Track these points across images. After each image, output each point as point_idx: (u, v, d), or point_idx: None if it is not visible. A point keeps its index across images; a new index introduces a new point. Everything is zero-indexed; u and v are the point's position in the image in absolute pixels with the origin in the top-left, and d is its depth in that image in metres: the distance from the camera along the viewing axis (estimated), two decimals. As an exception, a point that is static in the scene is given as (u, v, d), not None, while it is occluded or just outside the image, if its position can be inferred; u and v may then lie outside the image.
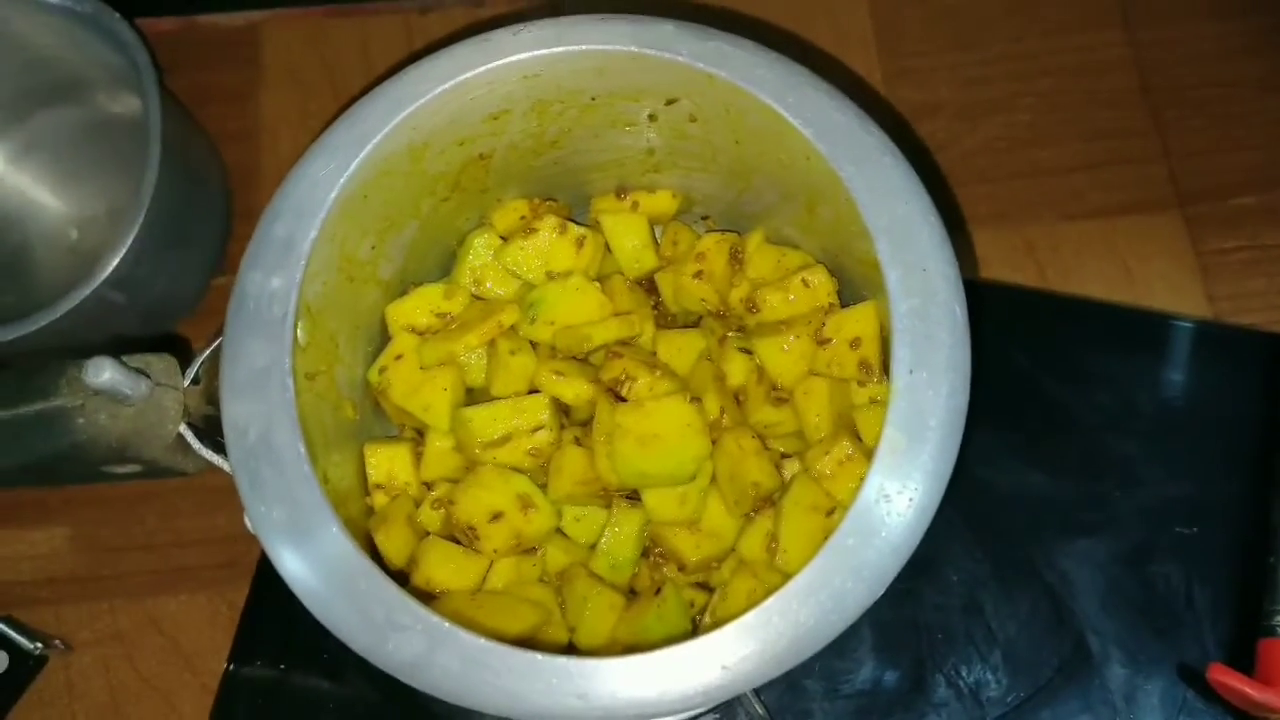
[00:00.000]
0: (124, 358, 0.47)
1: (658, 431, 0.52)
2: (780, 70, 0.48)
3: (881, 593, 0.42)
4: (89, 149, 0.79)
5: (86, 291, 0.64)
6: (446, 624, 0.42)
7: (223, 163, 0.79)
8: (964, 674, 0.64)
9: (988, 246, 0.77)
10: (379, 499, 0.56)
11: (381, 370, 0.57)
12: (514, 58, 0.50)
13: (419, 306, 0.58)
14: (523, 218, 0.60)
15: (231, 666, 0.65)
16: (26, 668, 0.67)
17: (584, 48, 0.49)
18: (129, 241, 0.65)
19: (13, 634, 0.67)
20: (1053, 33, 0.83)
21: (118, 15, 0.70)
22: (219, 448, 0.45)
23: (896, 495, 0.43)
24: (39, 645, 0.67)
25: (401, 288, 0.59)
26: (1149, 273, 0.76)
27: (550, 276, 0.58)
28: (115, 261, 0.65)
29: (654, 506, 0.53)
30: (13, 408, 0.47)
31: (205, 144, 0.78)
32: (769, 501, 0.53)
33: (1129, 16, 0.83)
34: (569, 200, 0.62)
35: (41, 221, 0.79)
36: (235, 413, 0.44)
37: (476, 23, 0.84)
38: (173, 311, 0.74)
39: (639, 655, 0.42)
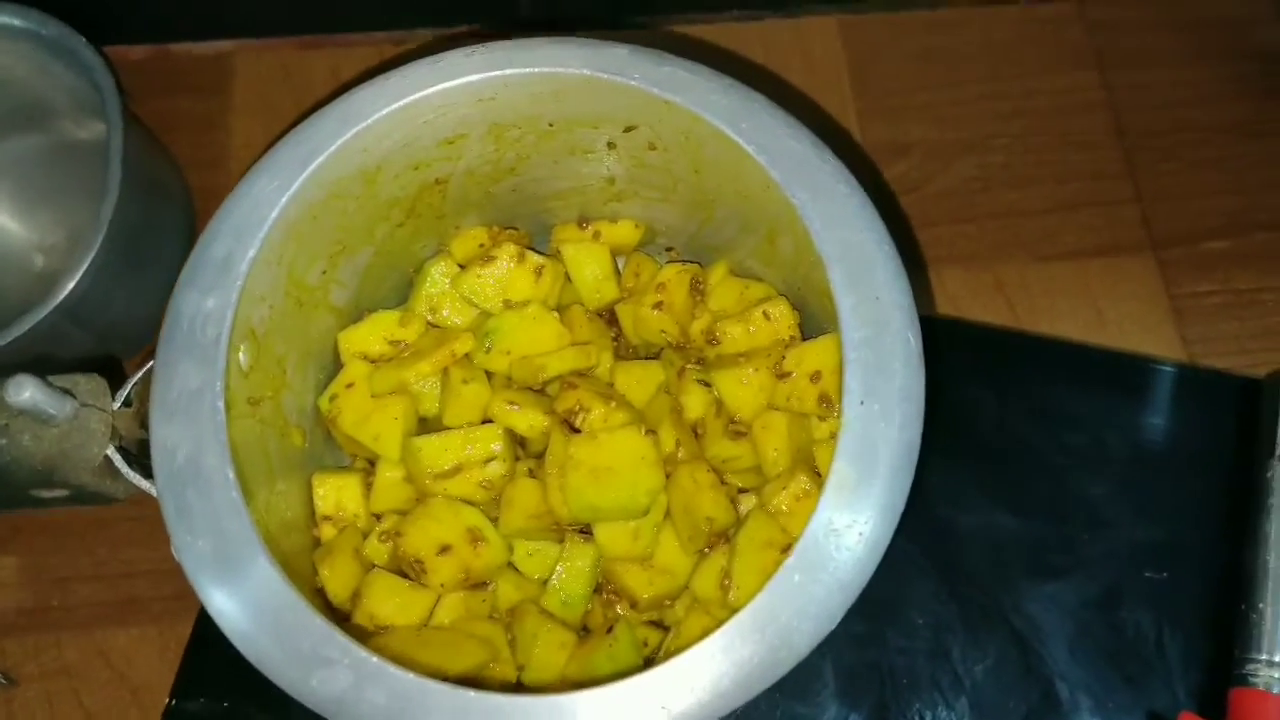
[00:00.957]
0: (50, 377, 0.45)
1: (610, 464, 0.51)
2: (735, 96, 0.48)
3: (830, 629, 0.40)
4: (53, 174, 0.78)
5: (41, 315, 0.63)
6: (374, 659, 0.40)
7: (188, 188, 0.79)
8: (929, 720, 0.62)
9: (960, 286, 0.76)
10: (326, 531, 0.55)
11: (332, 398, 0.56)
12: (466, 79, 0.49)
13: (372, 334, 0.57)
14: (481, 245, 0.59)
15: (174, 702, 0.63)
16: (-33, 702, 0.65)
17: (536, 70, 0.48)
18: (85, 264, 0.64)
19: None
20: (1028, 75, 0.83)
21: (83, 39, 0.69)
22: (149, 472, 0.44)
23: (846, 529, 0.41)
24: (-17, 680, 0.65)
25: (356, 314, 0.58)
26: (1121, 315, 0.75)
27: (508, 305, 0.57)
28: (70, 286, 0.63)
29: (606, 542, 0.52)
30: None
31: (170, 170, 0.77)
32: (724, 537, 0.52)
33: (1104, 59, 0.83)
34: (530, 228, 0.61)
35: (4, 247, 0.78)
36: (164, 435, 0.43)
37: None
38: (132, 336, 0.73)
39: (573, 694, 0.40)
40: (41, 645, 0.68)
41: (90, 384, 0.46)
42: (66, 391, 0.45)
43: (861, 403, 0.43)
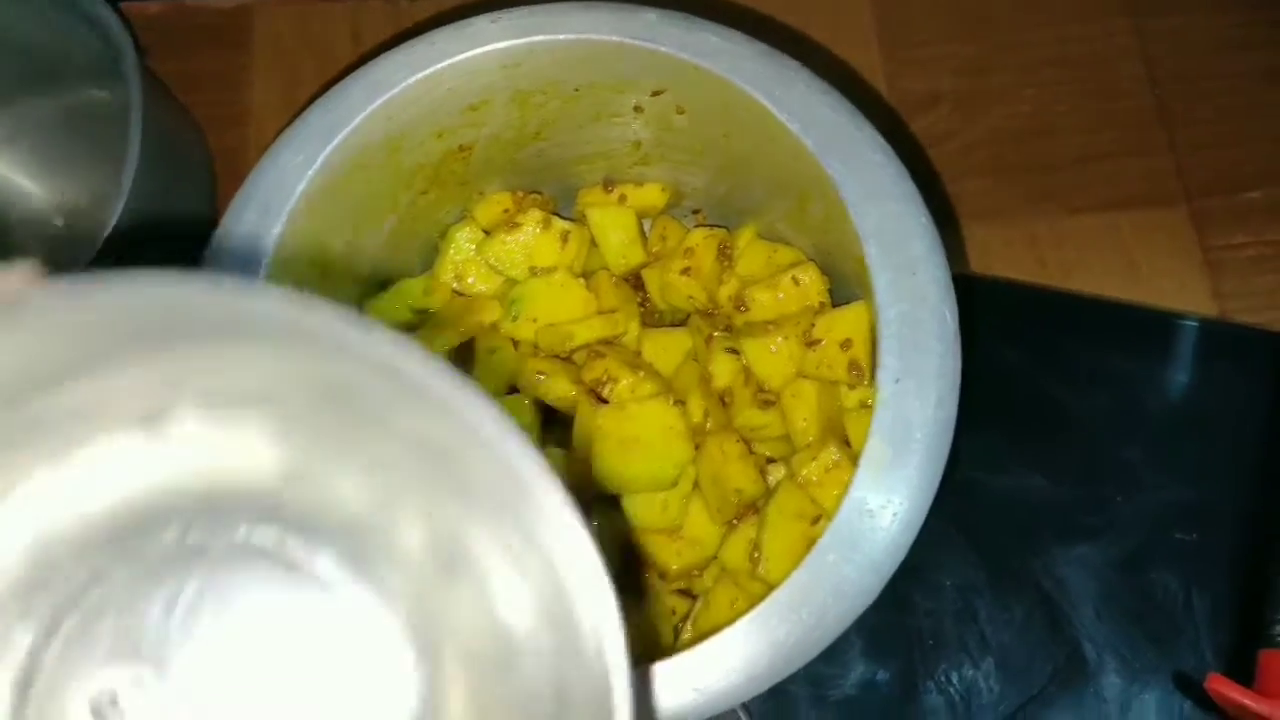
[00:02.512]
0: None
1: (639, 435, 0.51)
2: (768, 63, 0.46)
3: (864, 609, 0.40)
4: (72, 137, 0.78)
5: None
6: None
7: (208, 149, 0.78)
8: (955, 681, 0.62)
9: (988, 240, 0.75)
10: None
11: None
12: (492, 46, 0.48)
13: (398, 302, 0.57)
14: (506, 211, 0.58)
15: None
16: None
17: (564, 36, 0.47)
18: (109, 228, 0.63)
19: None
20: (1057, 22, 0.81)
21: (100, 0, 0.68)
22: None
23: (880, 510, 0.41)
24: None
25: (380, 282, 0.58)
26: (1154, 268, 0.74)
27: (534, 272, 0.57)
28: (94, 253, 0.63)
29: (635, 513, 0.52)
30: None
31: (191, 129, 0.77)
32: (753, 508, 0.52)
33: (1135, 6, 0.81)
34: (554, 193, 0.61)
35: (24, 210, 0.78)
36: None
37: (466, 4, 0.82)
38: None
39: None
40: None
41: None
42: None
43: (897, 380, 0.42)
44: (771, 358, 0.53)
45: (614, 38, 0.47)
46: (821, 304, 0.54)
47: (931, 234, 0.44)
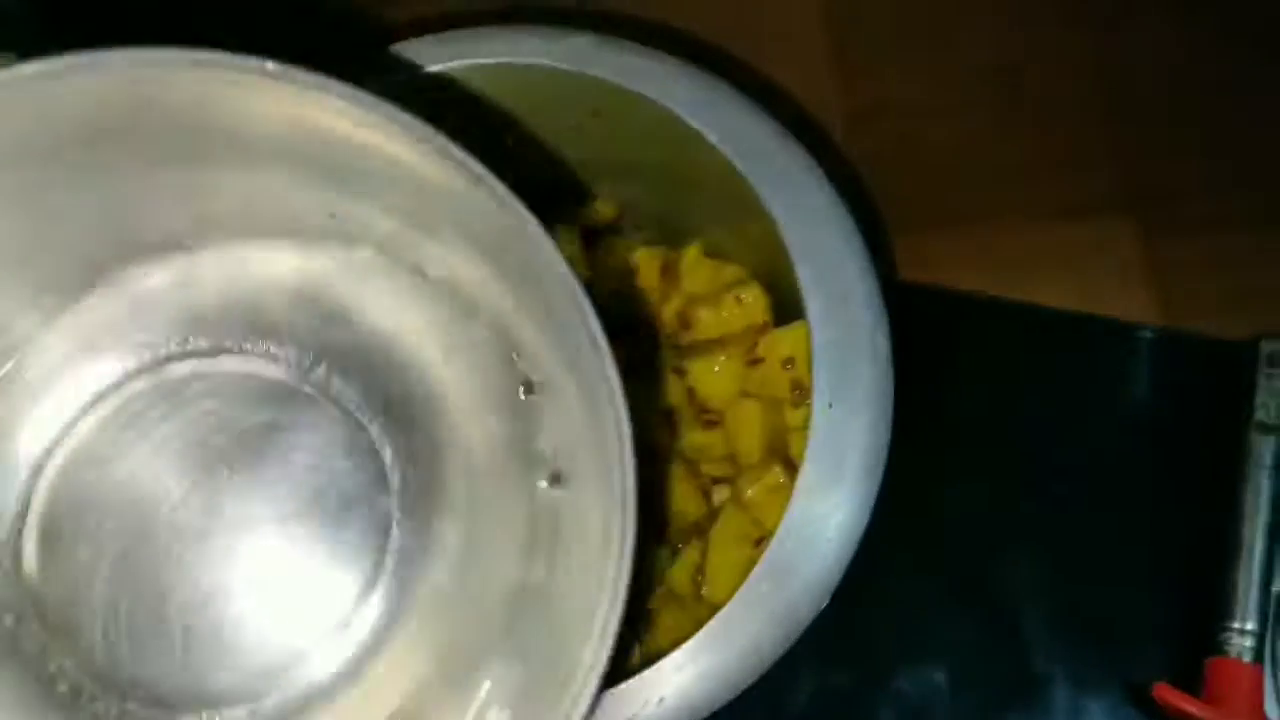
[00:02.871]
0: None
1: None
2: (699, 86, 0.47)
3: (798, 635, 0.40)
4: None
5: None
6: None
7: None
8: (909, 693, 0.63)
9: (937, 250, 0.75)
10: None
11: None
12: (425, 69, 0.48)
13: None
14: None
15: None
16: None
17: (495, 60, 0.47)
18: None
19: None
20: (1007, 34, 0.82)
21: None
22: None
23: (815, 536, 0.41)
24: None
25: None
26: (1103, 276, 0.75)
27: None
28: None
29: (578, 535, 0.52)
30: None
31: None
32: (697, 530, 0.52)
33: (1084, 19, 0.82)
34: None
35: None
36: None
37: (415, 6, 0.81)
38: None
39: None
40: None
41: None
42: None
43: (830, 405, 0.42)
44: (715, 377, 0.53)
45: (545, 61, 0.47)
46: (765, 323, 0.54)
47: (864, 259, 0.44)
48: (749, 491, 0.50)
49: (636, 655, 0.52)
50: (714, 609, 0.44)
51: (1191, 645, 0.61)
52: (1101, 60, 0.80)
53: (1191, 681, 0.59)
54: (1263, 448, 0.62)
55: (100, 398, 0.34)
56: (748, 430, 0.52)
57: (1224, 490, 0.62)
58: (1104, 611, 0.64)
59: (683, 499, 0.51)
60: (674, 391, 0.54)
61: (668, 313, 0.57)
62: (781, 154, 0.46)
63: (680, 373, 0.55)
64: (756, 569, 0.41)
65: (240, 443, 0.36)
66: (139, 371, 0.35)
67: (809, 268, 0.44)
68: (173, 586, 0.35)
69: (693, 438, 0.54)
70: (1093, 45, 0.81)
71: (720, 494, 0.54)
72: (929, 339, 0.69)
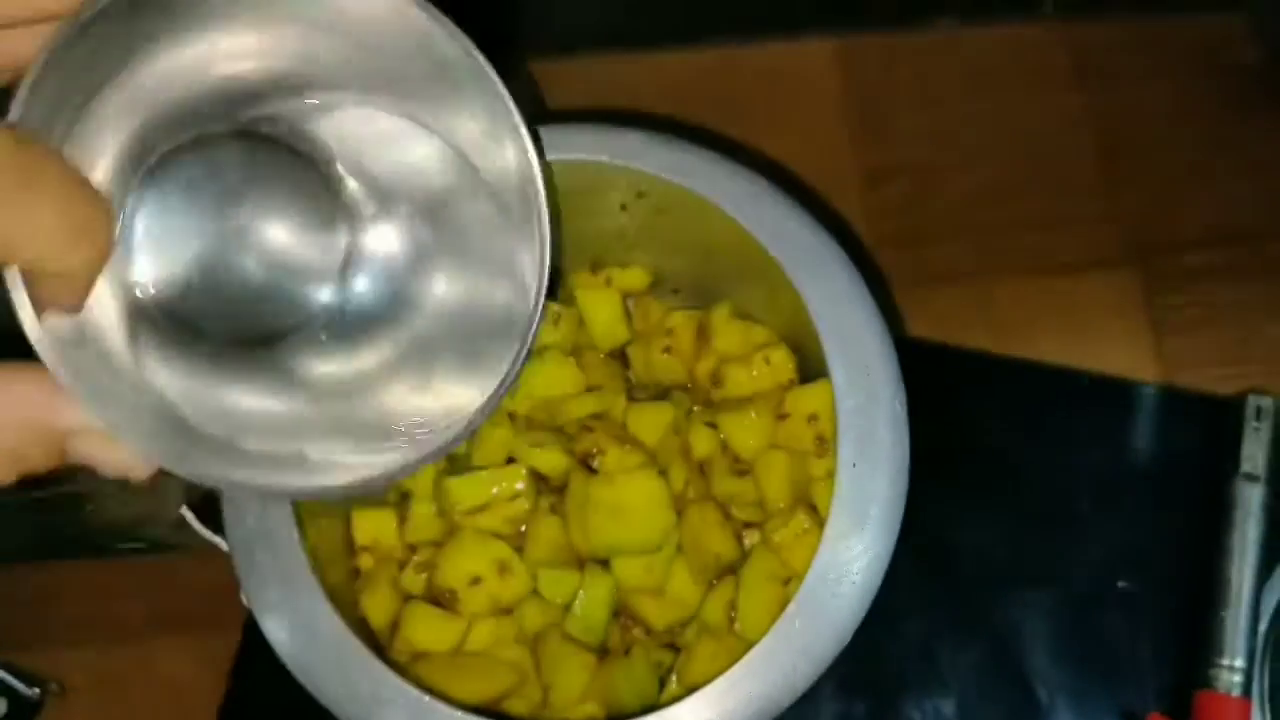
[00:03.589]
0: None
1: (627, 504, 0.56)
2: (741, 183, 0.52)
3: (828, 667, 0.45)
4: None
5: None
6: (426, 698, 0.46)
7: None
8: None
9: (946, 304, 0.79)
10: (365, 560, 0.60)
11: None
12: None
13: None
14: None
15: (223, 712, 0.68)
16: (23, 712, 0.69)
17: (553, 157, 0.52)
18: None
19: (10, 679, 0.68)
20: (1013, 95, 0.86)
21: None
22: (218, 527, 0.49)
23: (841, 578, 0.46)
24: (34, 690, 0.69)
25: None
26: (1102, 329, 0.79)
27: (528, 351, 0.62)
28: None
29: (623, 574, 0.57)
30: (26, 491, 0.50)
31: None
32: (730, 570, 0.57)
33: (1085, 79, 0.86)
34: (545, 275, 0.65)
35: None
36: (234, 497, 0.48)
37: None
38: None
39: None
40: (91, 657, 0.72)
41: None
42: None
43: (854, 465, 0.48)
44: (745, 431, 0.58)
45: (602, 157, 0.52)
46: (791, 380, 0.59)
47: (883, 337, 0.50)
48: (777, 536, 0.55)
49: (674, 683, 0.57)
50: (746, 642, 0.49)
51: (1183, 678, 0.65)
52: (1101, 120, 0.85)
53: (1183, 713, 0.64)
54: (1249, 496, 0.67)
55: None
56: (776, 479, 0.57)
57: (1214, 535, 0.67)
58: (1102, 645, 0.68)
59: (718, 542, 0.56)
60: (708, 442, 0.59)
61: (701, 371, 0.62)
62: (813, 244, 0.51)
63: (713, 426, 0.60)
64: (790, 607, 0.46)
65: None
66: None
67: (834, 342, 0.49)
68: None
69: (725, 485, 0.59)
70: (1092, 106, 0.85)
71: (751, 537, 0.59)
72: (939, 393, 0.74)
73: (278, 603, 0.47)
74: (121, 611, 0.73)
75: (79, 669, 0.72)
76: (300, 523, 0.48)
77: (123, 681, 0.72)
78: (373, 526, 0.60)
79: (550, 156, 0.52)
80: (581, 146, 0.53)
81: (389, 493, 0.63)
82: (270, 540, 0.48)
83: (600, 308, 0.63)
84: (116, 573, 0.73)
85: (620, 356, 0.65)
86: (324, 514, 0.57)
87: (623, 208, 0.58)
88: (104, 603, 0.73)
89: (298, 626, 0.47)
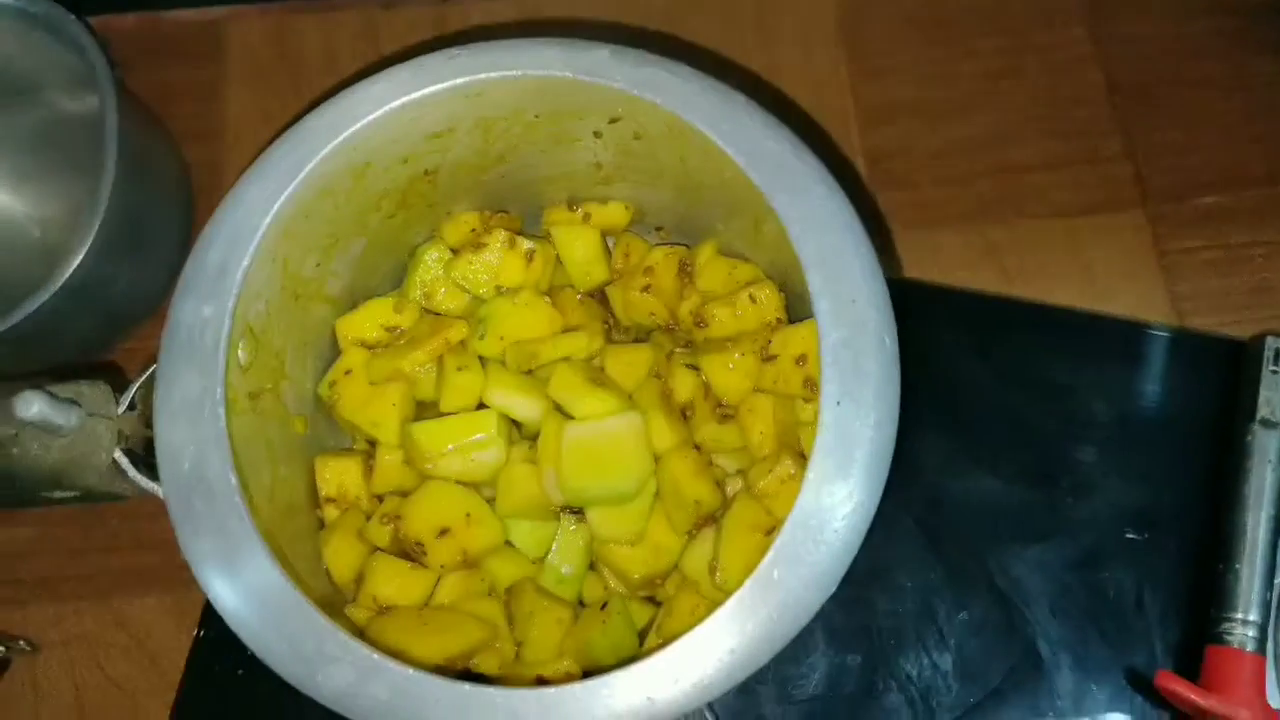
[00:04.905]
0: (55, 387, 0.47)
1: (602, 450, 0.52)
2: (714, 97, 0.48)
3: (807, 621, 0.42)
4: (48, 149, 0.79)
5: (45, 296, 0.64)
6: (375, 655, 0.42)
7: (184, 161, 0.79)
8: (915, 679, 0.65)
9: (951, 246, 0.77)
10: (330, 512, 0.57)
11: (331, 385, 0.57)
12: (450, 83, 0.49)
13: (368, 320, 0.58)
14: (473, 230, 0.60)
15: (191, 667, 0.66)
16: (-9, 668, 0.67)
17: (518, 73, 0.48)
18: (87, 244, 0.65)
19: None
20: (1017, 32, 0.83)
21: (72, 16, 0.69)
22: (155, 471, 0.45)
23: (823, 526, 0.43)
24: (3, 647, 0.67)
25: (351, 301, 0.59)
26: (1112, 272, 0.76)
27: (500, 291, 0.58)
28: (74, 265, 0.64)
29: (598, 523, 0.54)
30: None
31: (166, 143, 0.78)
32: (711, 519, 0.54)
33: (1093, 15, 0.83)
34: (521, 212, 0.62)
35: (2, 221, 0.79)
36: (169, 442, 0.45)
37: (440, 20, 0.83)
38: (135, 313, 0.74)
39: (563, 686, 0.42)
40: (61, 613, 0.70)
41: (95, 391, 0.47)
42: (72, 401, 0.46)
43: (838, 403, 0.44)
44: (730, 373, 0.55)
45: (566, 73, 0.48)
46: (778, 320, 0.56)
47: (871, 262, 0.46)
48: (761, 482, 0.52)
49: (654, 637, 0.54)
50: (727, 595, 0.46)
51: (1192, 633, 0.63)
52: (1111, 58, 0.81)
53: (1193, 670, 0.61)
54: (1266, 443, 0.63)
55: None
56: (761, 423, 0.54)
57: (1228, 484, 0.63)
58: (1108, 600, 0.65)
59: (698, 488, 0.53)
60: (689, 386, 0.56)
61: (683, 310, 0.59)
62: (793, 163, 0.47)
63: (695, 368, 0.56)
64: (767, 557, 0.43)
65: None
66: None
67: (818, 270, 0.46)
68: None
69: (708, 430, 0.55)
70: (1102, 43, 0.82)
71: (734, 484, 0.55)
72: (941, 336, 0.71)
73: (213, 553, 0.44)
74: (92, 567, 0.72)
75: (50, 626, 0.70)
76: (239, 469, 0.45)
77: (93, 638, 0.70)
78: (337, 476, 0.57)
79: (515, 73, 0.49)
80: (547, 62, 0.49)
81: (356, 440, 0.60)
82: (206, 487, 0.44)
83: (577, 245, 0.60)
84: (87, 529, 0.72)
85: (601, 298, 0.62)
86: (284, 462, 0.54)
87: (596, 135, 0.55)
88: (74, 559, 0.72)
89: (236, 579, 0.44)
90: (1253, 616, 0.60)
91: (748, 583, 0.43)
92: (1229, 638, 0.60)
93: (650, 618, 0.55)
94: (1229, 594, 0.61)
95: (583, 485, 0.53)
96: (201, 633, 0.66)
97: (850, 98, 0.81)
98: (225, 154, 0.81)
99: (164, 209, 0.75)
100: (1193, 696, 0.59)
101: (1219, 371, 0.69)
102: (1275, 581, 0.62)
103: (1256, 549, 0.62)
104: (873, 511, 0.44)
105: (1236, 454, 0.64)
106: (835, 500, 0.43)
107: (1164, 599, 0.65)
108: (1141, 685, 0.63)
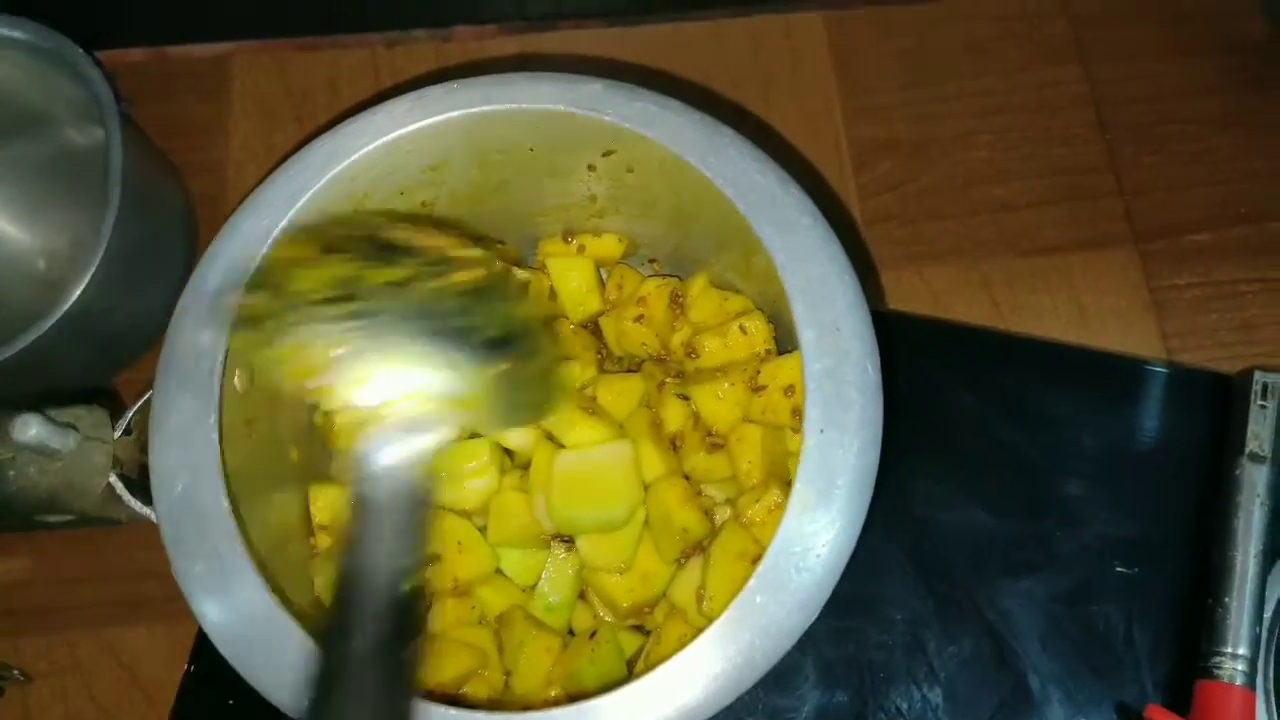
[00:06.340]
0: (53, 411, 0.48)
1: (591, 479, 0.53)
2: (704, 131, 0.49)
3: (790, 646, 0.43)
4: (55, 181, 0.80)
5: (46, 325, 0.64)
6: (362, 678, 0.43)
7: (188, 194, 0.80)
8: (905, 711, 0.65)
9: (943, 281, 0.77)
10: (323, 540, 0.57)
11: (326, 413, 0.58)
12: (446, 115, 0.51)
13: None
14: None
15: (182, 698, 0.66)
16: (-17, 699, 0.67)
17: (513, 106, 0.49)
18: (88, 275, 0.65)
19: None
20: (1011, 70, 0.84)
21: (81, 51, 0.71)
22: (149, 495, 0.46)
23: (805, 552, 0.43)
24: (-3, 678, 0.67)
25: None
26: (1103, 308, 0.77)
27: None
28: (75, 295, 0.65)
29: (588, 552, 0.54)
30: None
31: (170, 176, 0.79)
32: (699, 548, 0.54)
33: (1086, 54, 0.84)
34: (517, 242, 0.63)
35: (7, 251, 0.80)
36: (162, 466, 0.45)
37: (441, 55, 0.85)
38: (134, 344, 0.75)
39: (547, 712, 0.42)
40: (54, 644, 0.70)
41: (92, 416, 0.48)
42: (69, 425, 0.47)
43: (821, 431, 0.45)
44: (719, 403, 0.56)
45: (560, 107, 0.49)
46: (767, 351, 0.57)
47: (855, 293, 0.47)
48: (749, 511, 0.53)
49: (642, 665, 0.54)
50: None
51: (1182, 667, 0.63)
52: (1103, 96, 0.82)
53: (1183, 704, 0.61)
54: (1255, 477, 0.64)
55: None
56: (749, 453, 0.54)
57: (1217, 518, 0.64)
58: (1097, 634, 0.65)
59: (686, 517, 0.53)
60: (679, 416, 0.57)
61: (675, 341, 0.59)
62: (780, 195, 0.48)
63: (686, 398, 0.57)
64: (750, 583, 0.43)
65: None
66: None
67: (802, 300, 0.46)
68: None
69: (697, 460, 0.56)
70: (1095, 82, 0.83)
71: (722, 513, 0.56)
72: (932, 369, 0.72)
73: (205, 577, 0.44)
74: (87, 597, 0.72)
75: (41, 657, 0.70)
76: (233, 495, 0.46)
77: (85, 668, 0.70)
78: (331, 504, 0.58)
79: (511, 106, 0.50)
80: (542, 96, 0.50)
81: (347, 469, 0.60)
82: (198, 512, 0.45)
83: (571, 277, 0.61)
84: (82, 558, 0.72)
85: (594, 329, 0.63)
86: (278, 489, 0.55)
87: (590, 168, 0.56)
88: (69, 589, 0.72)
89: (226, 603, 0.44)
90: (1242, 650, 0.60)
91: (731, 608, 0.43)
92: (1219, 672, 0.60)
93: (639, 647, 0.55)
94: (1218, 628, 0.61)
95: (573, 513, 0.53)
96: (191, 668, 0.66)
97: (843, 133, 0.82)
98: (229, 186, 0.82)
99: (166, 241, 0.76)
100: (1181, 730, 0.58)
101: (1208, 406, 0.69)
102: (1264, 616, 0.62)
103: (1245, 583, 0.62)
104: (855, 538, 0.44)
105: (1225, 488, 0.64)
106: (818, 527, 0.44)
107: (1153, 633, 0.65)
108: (1131, 719, 0.63)
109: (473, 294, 0.39)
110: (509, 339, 0.40)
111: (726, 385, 0.55)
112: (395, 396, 0.37)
